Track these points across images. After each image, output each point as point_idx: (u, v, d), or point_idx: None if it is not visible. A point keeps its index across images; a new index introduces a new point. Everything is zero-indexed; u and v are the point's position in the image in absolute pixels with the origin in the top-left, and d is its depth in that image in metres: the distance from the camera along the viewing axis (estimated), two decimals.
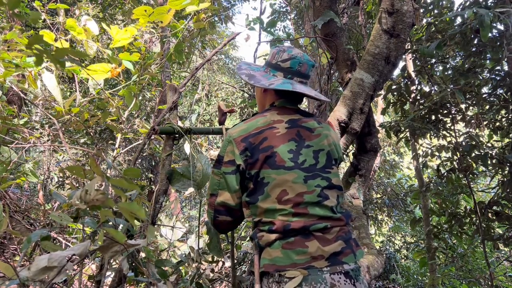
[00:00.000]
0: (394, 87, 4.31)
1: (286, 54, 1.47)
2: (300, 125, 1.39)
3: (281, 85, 1.40)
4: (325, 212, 1.27)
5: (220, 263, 2.95)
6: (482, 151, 3.84)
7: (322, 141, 1.38)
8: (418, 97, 4.29)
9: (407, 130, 4.30)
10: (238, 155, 1.32)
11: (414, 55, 4.22)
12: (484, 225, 3.92)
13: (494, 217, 3.95)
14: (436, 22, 4.01)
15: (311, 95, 1.42)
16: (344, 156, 2.79)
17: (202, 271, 2.25)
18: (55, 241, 2.55)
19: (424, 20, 4.40)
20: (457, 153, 4.06)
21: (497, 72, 3.99)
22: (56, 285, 1.78)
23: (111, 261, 1.92)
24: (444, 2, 4.13)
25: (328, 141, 1.40)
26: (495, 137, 4.24)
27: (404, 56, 4.70)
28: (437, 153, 4.42)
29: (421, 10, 4.19)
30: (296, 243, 1.21)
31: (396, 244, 10.51)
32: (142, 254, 1.80)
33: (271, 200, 1.27)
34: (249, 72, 1.50)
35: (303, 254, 1.20)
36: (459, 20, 3.39)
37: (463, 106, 4.07)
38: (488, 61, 4.05)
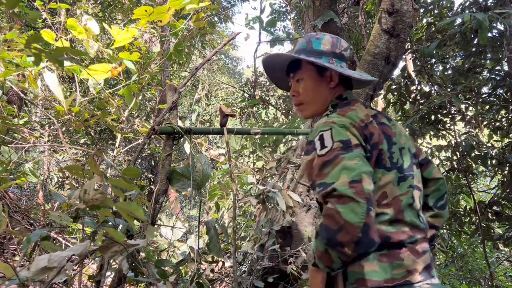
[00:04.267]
0: (394, 87, 4.31)
1: (343, 42, 1.37)
2: (380, 122, 1.25)
3: (365, 75, 1.34)
4: (415, 217, 1.18)
5: (220, 263, 2.95)
6: (482, 151, 3.84)
7: (401, 138, 1.27)
8: (418, 97, 4.29)
9: (407, 130, 4.30)
10: (362, 141, 1.14)
11: (414, 55, 4.22)
12: (484, 225, 3.92)
13: (494, 217, 3.95)
14: (436, 22, 4.01)
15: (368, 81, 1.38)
16: None
17: (202, 271, 2.25)
18: (55, 241, 2.55)
19: (424, 20, 4.40)
20: (457, 153, 4.06)
21: (497, 72, 3.99)
22: (56, 285, 1.78)
23: (111, 261, 1.91)
24: (444, 2, 4.13)
25: (404, 139, 1.30)
26: (495, 137, 4.24)
27: (404, 56, 4.69)
28: (436, 153, 4.42)
29: (421, 10, 4.19)
30: (392, 255, 1.10)
31: None
32: (142, 254, 1.80)
33: None
34: (317, 60, 1.30)
35: (400, 268, 1.08)
36: (459, 20, 3.39)
37: (462, 106, 4.07)
38: (488, 61, 4.05)
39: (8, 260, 2.50)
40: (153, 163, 8.89)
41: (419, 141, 4.74)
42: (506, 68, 4.22)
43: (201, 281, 2.03)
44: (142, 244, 1.10)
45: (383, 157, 1.17)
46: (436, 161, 4.87)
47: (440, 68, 4.49)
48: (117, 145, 2.66)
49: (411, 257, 1.11)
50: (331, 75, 1.33)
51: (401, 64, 5.28)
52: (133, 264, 1.68)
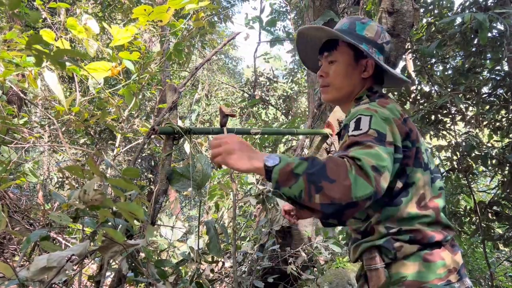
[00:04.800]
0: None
1: (387, 34, 1.29)
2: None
3: (400, 74, 1.29)
4: (446, 216, 1.17)
5: (220, 263, 2.95)
6: (482, 151, 3.83)
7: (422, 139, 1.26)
8: (418, 97, 4.29)
9: None
10: (399, 140, 1.05)
11: (414, 55, 4.22)
12: (484, 225, 3.92)
13: (494, 217, 3.95)
14: (436, 22, 4.01)
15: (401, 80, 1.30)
16: None
17: (202, 271, 2.25)
18: (54, 241, 2.55)
19: (424, 20, 4.40)
20: (457, 153, 4.06)
21: (497, 72, 3.99)
22: (56, 285, 1.78)
23: (111, 261, 1.91)
24: (444, 2, 4.13)
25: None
26: (495, 137, 4.24)
27: (404, 56, 4.69)
28: (436, 153, 4.42)
29: (421, 10, 4.19)
30: (435, 255, 1.09)
31: None
32: (142, 254, 1.80)
33: (413, 205, 1.11)
34: (357, 43, 1.21)
35: (443, 267, 1.07)
36: (459, 20, 3.39)
37: (463, 106, 4.07)
38: (488, 61, 4.05)
39: (8, 260, 2.50)
40: (153, 163, 8.89)
41: None
42: (506, 68, 4.22)
43: (201, 281, 2.03)
44: (142, 244, 1.10)
45: (420, 156, 1.13)
46: (436, 161, 4.87)
47: (440, 68, 4.49)
48: (117, 145, 2.66)
49: (450, 256, 1.10)
50: (367, 65, 1.25)
51: (401, 64, 5.28)
52: (133, 264, 1.68)
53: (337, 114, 2.46)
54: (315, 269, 2.91)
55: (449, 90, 3.64)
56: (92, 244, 1.30)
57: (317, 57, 1.36)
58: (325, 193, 0.86)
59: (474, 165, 3.98)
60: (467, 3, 3.96)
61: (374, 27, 1.27)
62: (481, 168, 4.34)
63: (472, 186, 4.28)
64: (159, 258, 2.25)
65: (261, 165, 0.92)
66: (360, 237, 1.21)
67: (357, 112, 1.09)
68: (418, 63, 4.24)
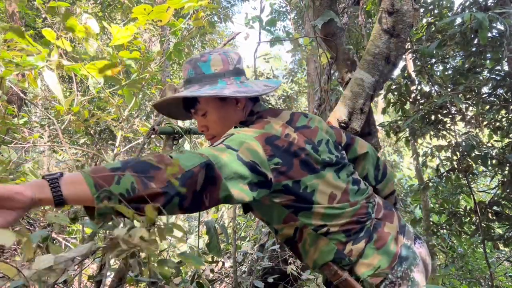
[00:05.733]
0: (394, 87, 4.31)
1: (232, 54, 1.28)
2: (297, 126, 1.26)
3: (270, 82, 1.28)
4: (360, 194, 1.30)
5: (220, 263, 2.95)
6: (482, 151, 3.83)
7: (323, 131, 1.33)
8: (418, 97, 4.29)
9: (407, 129, 4.30)
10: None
11: (414, 55, 4.22)
12: (484, 225, 3.92)
13: (494, 217, 3.95)
14: (436, 22, 4.01)
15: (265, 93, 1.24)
16: None
17: (202, 271, 2.25)
18: (54, 241, 2.55)
19: (424, 20, 4.40)
20: (457, 153, 4.06)
21: (497, 72, 3.99)
22: (56, 286, 1.78)
23: (111, 261, 1.91)
24: (444, 2, 4.13)
25: (325, 129, 1.34)
26: (495, 137, 4.24)
27: (404, 56, 4.69)
28: (436, 153, 4.42)
29: (421, 10, 4.19)
30: (382, 236, 1.19)
31: None
32: (142, 254, 1.80)
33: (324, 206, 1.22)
34: (215, 91, 1.15)
35: (393, 242, 1.19)
36: (459, 20, 3.39)
37: (463, 106, 4.07)
38: (488, 61, 4.05)
39: (8, 260, 2.49)
40: None
41: (419, 141, 4.74)
42: (506, 68, 4.21)
43: (201, 281, 2.03)
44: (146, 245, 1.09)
45: (311, 159, 1.13)
46: (436, 161, 4.87)
47: (440, 68, 4.49)
48: (117, 144, 2.66)
49: (390, 226, 1.22)
50: (236, 98, 1.22)
51: (401, 64, 5.28)
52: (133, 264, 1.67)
53: (337, 114, 2.46)
54: None
55: (449, 90, 3.63)
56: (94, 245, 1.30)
57: (180, 111, 1.33)
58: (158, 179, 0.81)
59: (474, 165, 3.98)
60: (467, 3, 3.96)
61: (217, 57, 1.23)
62: (481, 168, 4.34)
63: (472, 186, 4.28)
64: (160, 258, 2.24)
65: (45, 182, 0.74)
66: (290, 248, 1.26)
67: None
68: (418, 63, 4.24)
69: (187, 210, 0.90)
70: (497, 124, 4.17)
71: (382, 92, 4.29)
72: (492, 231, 3.99)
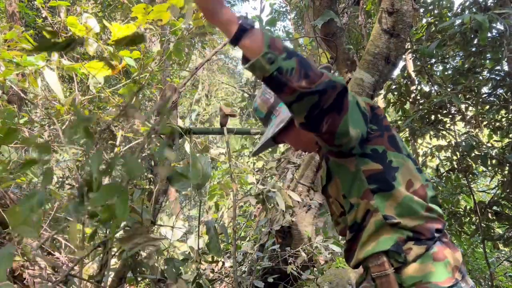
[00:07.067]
0: (394, 87, 4.31)
1: (261, 90, 1.35)
2: None
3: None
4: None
5: (220, 263, 2.95)
6: (482, 151, 3.83)
7: None
8: (418, 97, 4.29)
9: (407, 129, 4.30)
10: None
11: (414, 55, 4.22)
12: (484, 225, 3.92)
13: (494, 217, 3.95)
14: (436, 22, 4.01)
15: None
16: None
17: (202, 271, 2.25)
18: (55, 241, 2.55)
19: (424, 20, 4.40)
20: (457, 153, 4.06)
21: (497, 72, 3.99)
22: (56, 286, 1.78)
23: (111, 261, 1.91)
24: (444, 2, 4.13)
25: None
26: (495, 137, 4.24)
27: (404, 56, 4.70)
28: (436, 153, 4.42)
29: (421, 10, 4.19)
30: (440, 253, 1.08)
31: None
32: (143, 254, 1.80)
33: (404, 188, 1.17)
34: (271, 131, 1.26)
35: (449, 266, 1.07)
36: (459, 20, 3.39)
37: (462, 106, 4.07)
38: (488, 61, 4.05)
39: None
40: (153, 163, 8.87)
41: (419, 141, 4.74)
42: (506, 68, 4.22)
43: (201, 281, 2.03)
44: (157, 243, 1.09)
45: (397, 140, 1.22)
46: (436, 161, 4.87)
47: (440, 68, 4.49)
48: (117, 143, 2.66)
49: (451, 253, 1.12)
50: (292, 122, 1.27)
51: (401, 64, 5.27)
52: (133, 264, 1.68)
53: None
54: (315, 269, 2.91)
55: (449, 90, 3.63)
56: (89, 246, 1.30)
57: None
58: (311, 80, 0.88)
59: (474, 165, 3.98)
60: (467, 3, 3.96)
61: (259, 101, 1.31)
62: (481, 168, 4.34)
63: (472, 186, 4.28)
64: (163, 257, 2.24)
65: (236, 20, 0.89)
66: (351, 236, 1.19)
67: None
68: (418, 63, 4.24)
69: (308, 122, 0.96)
70: (497, 124, 4.18)
71: (382, 92, 4.29)
72: (492, 231, 4.00)
